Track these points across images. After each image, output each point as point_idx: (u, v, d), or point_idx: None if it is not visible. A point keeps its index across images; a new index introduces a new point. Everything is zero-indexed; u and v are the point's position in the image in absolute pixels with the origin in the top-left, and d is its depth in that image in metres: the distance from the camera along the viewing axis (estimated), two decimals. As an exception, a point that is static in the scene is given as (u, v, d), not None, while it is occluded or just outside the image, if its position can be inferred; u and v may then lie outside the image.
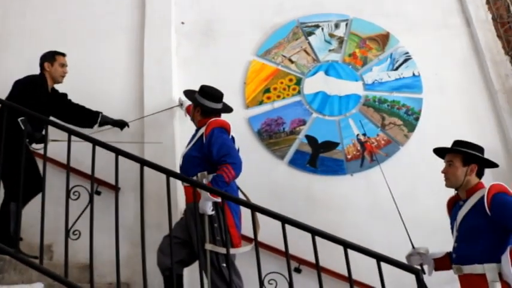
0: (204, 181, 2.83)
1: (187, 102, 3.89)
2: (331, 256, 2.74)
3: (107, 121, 3.89)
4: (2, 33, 4.74)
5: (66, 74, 3.75)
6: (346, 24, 4.36)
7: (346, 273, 2.23)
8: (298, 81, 4.17)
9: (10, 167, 2.86)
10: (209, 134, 2.92)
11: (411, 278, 2.11)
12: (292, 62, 4.25)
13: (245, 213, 2.85)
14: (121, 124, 3.95)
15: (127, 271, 3.29)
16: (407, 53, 4.24)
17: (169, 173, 2.52)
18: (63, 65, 3.72)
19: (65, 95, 3.82)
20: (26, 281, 2.66)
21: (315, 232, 2.26)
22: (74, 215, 2.59)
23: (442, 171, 2.62)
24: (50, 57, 3.69)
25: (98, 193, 3.67)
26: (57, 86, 3.79)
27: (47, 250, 3.41)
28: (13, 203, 2.97)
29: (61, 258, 3.36)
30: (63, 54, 3.76)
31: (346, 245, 2.22)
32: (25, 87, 3.46)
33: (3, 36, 4.73)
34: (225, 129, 3.02)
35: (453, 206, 2.66)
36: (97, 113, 3.87)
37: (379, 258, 2.16)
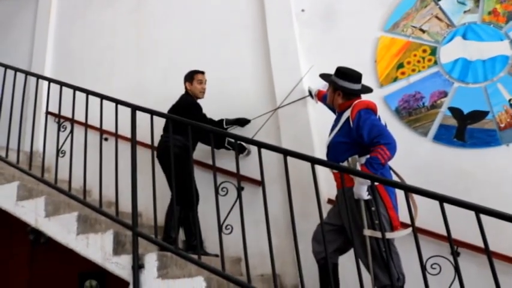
0: (357, 164, 2.71)
1: (315, 89, 3.85)
2: (496, 236, 2.50)
3: (230, 123, 4.07)
4: (140, 48, 5.18)
5: (205, 89, 3.99)
6: (481, -21, 3.91)
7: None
8: (433, 51, 3.85)
9: (180, 175, 3.18)
10: (356, 117, 2.77)
11: None
12: (423, 31, 3.94)
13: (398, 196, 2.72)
14: (243, 122, 4.09)
15: (277, 262, 3.29)
16: (560, -1, 3.68)
17: (313, 161, 2.48)
18: (201, 82, 3.97)
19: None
20: (187, 275, 2.79)
21: (479, 210, 2.05)
22: (222, 211, 2.70)
23: None
24: (189, 77, 3.99)
25: (242, 188, 3.80)
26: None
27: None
28: (176, 206, 3.20)
29: (213, 252, 3.57)
30: (201, 72, 4.00)
31: (522, 223, 1.97)
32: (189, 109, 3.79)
33: (140, 52, 5.16)
34: (371, 109, 2.86)
35: None
36: (220, 120, 4.06)
37: None
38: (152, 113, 3.06)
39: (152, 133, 3.04)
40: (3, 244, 4.59)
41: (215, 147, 3.55)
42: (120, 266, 2.78)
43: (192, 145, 3.45)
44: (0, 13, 6.71)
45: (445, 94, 3.70)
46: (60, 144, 3.39)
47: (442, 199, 2.14)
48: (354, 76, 3.03)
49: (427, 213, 2.71)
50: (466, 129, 3.56)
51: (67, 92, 3.48)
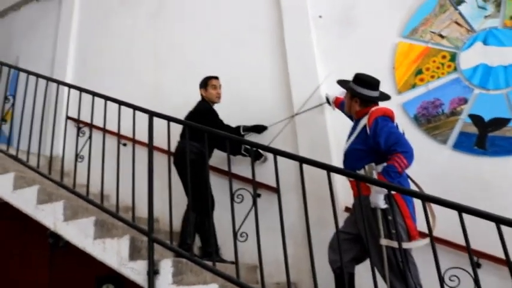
0: (374, 173, 2.69)
1: (332, 96, 3.83)
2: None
3: (247, 129, 4.07)
4: (157, 54, 5.24)
5: (220, 94, 4.01)
6: (503, -17, 3.83)
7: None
8: (453, 57, 3.79)
9: (196, 182, 3.17)
10: (373, 124, 2.75)
11: None
12: (442, 37, 3.88)
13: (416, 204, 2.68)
14: (260, 128, 4.08)
15: (293, 270, 3.28)
16: None
17: (329, 169, 2.46)
18: (215, 87, 3.98)
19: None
20: (202, 282, 2.79)
21: (499, 220, 2.00)
22: (236, 218, 2.69)
23: None
24: (203, 84, 4.02)
25: (258, 195, 3.79)
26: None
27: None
28: (192, 213, 3.20)
29: (229, 259, 3.56)
30: (215, 77, 4.02)
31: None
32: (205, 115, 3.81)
33: (158, 58, 5.22)
34: (388, 116, 2.83)
35: None
36: (237, 127, 4.06)
37: None
38: (169, 119, 3.08)
39: (169, 139, 3.06)
40: (23, 247, 4.67)
41: (231, 154, 3.55)
42: (135, 271, 2.79)
43: (209, 152, 3.46)
44: (24, 20, 6.88)
45: (465, 101, 3.63)
46: (79, 149, 3.44)
47: (460, 209, 2.10)
48: (372, 83, 3.00)
49: (446, 223, 2.65)
50: (487, 137, 3.49)
51: (87, 98, 3.53)
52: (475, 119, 3.56)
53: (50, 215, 3.29)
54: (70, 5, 6.29)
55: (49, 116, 3.93)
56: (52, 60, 6.07)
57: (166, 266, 2.72)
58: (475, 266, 2.05)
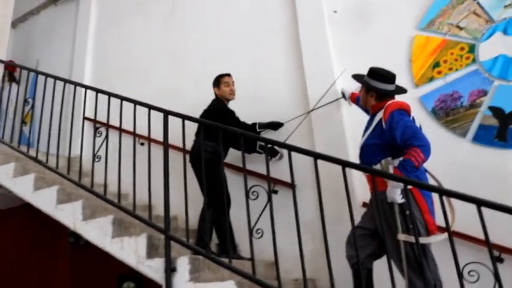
0: (390, 167, 2.65)
1: (348, 92, 3.79)
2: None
3: (263, 126, 4.06)
4: (172, 54, 5.27)
5: (234, 90, 4.01)
6: (523, -29, 3.74)
7: None
8: (471, 49, 3.70)
9: (211, 180, 3.19)
10: (389, 118, 2.71)
11: None
12: (460, 28, 3.80)
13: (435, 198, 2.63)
14: (276, 125, 4.06)
15: (311, 267, 3.30)
16: None
17: (344, 164, 2.43)
18: (228, 84, 3.98)
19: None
20: (219, 279, 2.80)
21: (519, 214, 1.95)
22: (253, 215, 2.70)
23: None
24: (215, 82, 4.03)
25: (275, 192, 3.78)
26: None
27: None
28: (208, 210, 3.21)
29: (247, 256, 3.56)
30: (227, 75, 4.02)
31: None
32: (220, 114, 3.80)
33: (173, 58, 5.25)
34: (405, 110, 2.78)
35: None
36: (254, 124, 4.05)
37: None
38: (184, 117, 3.09)
39: (184, 138, 3.06)
40: (46, 246, 4.75)
41: (247, 152, 3.54)
42: (153, 269, 2.81)
43: (224, 152, 3.46)
44: (43, 24, 7.00)
45: (485, 93, 3.54)
46: (96, 149, 3.48)
47: (479, 203, 2.05)
48: (387, 76, 2.96)
49: (467, 217, 2.59)
50: (507, 129, 3.40)
51: (103, 98, 3.57)
52: (495, 111, 3.48)
53: (70, 215, 3.34)
54: (87, 7, 6.39)
55: (67, 117, 3.98)
56: (70, 62, 6.17)
57: (183, 264, 2.74)
58: (495, 260, 1.99)
